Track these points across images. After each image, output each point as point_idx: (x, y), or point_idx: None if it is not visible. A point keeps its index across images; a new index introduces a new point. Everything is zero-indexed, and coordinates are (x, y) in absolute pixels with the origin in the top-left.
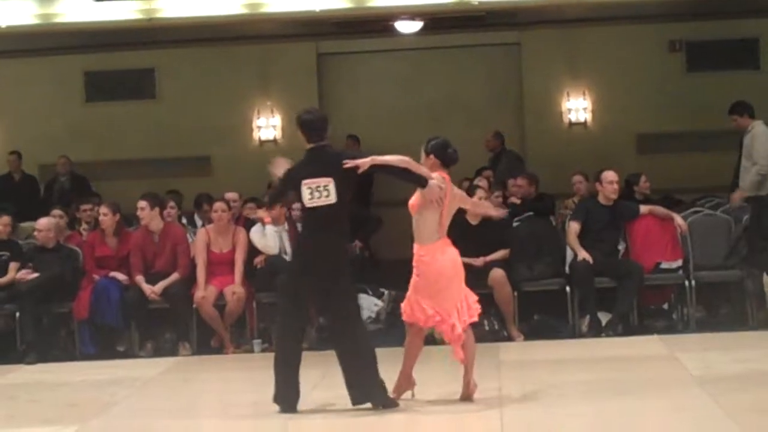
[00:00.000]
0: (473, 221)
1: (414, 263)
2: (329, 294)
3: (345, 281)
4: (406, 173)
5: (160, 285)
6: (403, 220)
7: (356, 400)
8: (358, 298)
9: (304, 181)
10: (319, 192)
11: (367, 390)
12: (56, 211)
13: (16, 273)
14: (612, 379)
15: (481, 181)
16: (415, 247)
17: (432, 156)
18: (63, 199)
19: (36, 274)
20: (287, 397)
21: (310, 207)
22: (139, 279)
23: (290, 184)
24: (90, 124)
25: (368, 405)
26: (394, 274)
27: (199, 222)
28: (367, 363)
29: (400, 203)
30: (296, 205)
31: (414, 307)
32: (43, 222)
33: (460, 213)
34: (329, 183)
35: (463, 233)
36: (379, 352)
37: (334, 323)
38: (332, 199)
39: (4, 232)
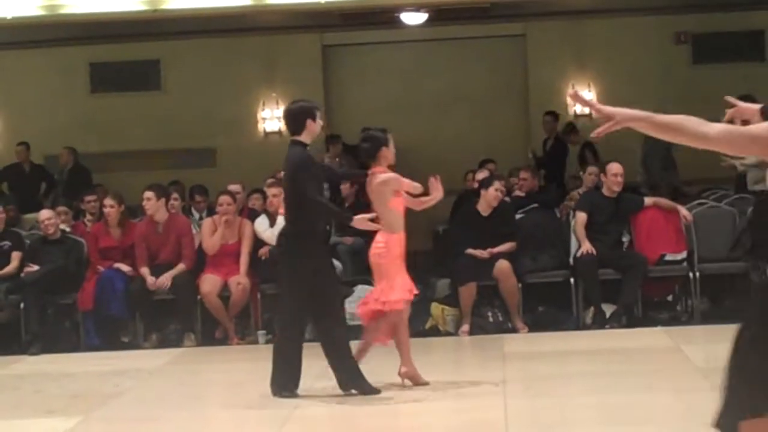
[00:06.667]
0: (484, 213)
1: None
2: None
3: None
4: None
5: (167, 276)
6: (416, 213)
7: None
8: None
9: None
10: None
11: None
12: (61, 208)
13: (19, 263)
14: (616, 370)
15: (482, 173)
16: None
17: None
18: (66, 192)
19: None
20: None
21: None
22: (144, 270)
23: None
24: (95, 115)
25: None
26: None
27: (195, 214)
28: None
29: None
30: None
31: None
32: (46, 213)
33: (472, 204)
34: (282, 176)
35: (473, 224)
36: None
37: None
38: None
39: (1, 220)
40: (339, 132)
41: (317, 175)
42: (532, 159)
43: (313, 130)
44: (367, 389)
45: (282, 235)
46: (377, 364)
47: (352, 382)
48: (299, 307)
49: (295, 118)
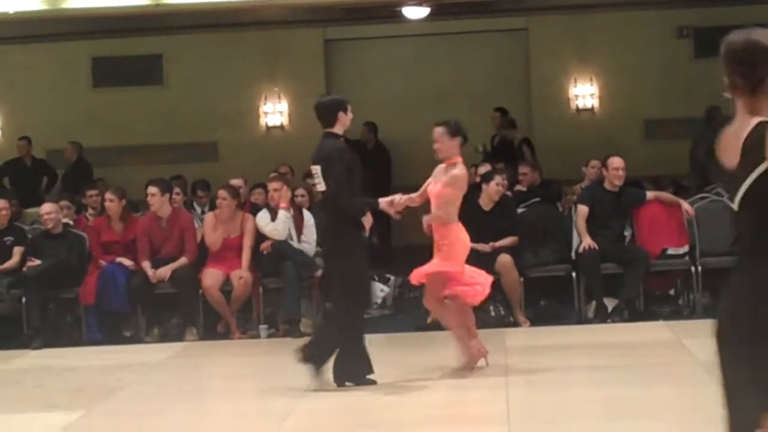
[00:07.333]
0: (486, 207)
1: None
2: (329, 275)
3: (339, 265)
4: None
5: (168, 268)
6: (418, 207)
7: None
8: (356, 285)
9: (311, 166)
10: (316, 178)
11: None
12: (63, 202)
13: (21, 258)
14: (618, 364)
15: (483, 167)
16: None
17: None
18: (68, 186)
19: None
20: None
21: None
22: (146, 264)
23: None
24: (97, 109)
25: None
26: (404, 260)
27: (198, 209)
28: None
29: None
30: (299, 191)
31: None
32: (47, 207)
33: (474, 198)
34: (317, 171)
35: (475, 218)
36: (386, 337)
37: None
38: (322, 186)
39: (3, 216)
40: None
41: (351, 167)
42: (481, 153)
43: (345, 122)
44: (363, 381)
45: (329, 227)
46: (379, 357)
47: (347, 375)
48: (363, 294)
49: (328, 111)
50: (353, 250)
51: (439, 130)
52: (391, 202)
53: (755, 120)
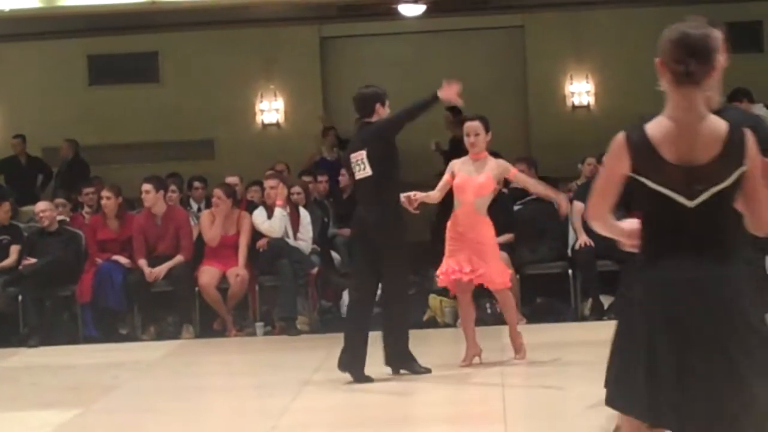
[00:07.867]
0: None
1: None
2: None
3: (390, 248)
4: (418, 106)
5: (164, 267)
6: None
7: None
8: (401, 274)
9: (351, 155)
10: (358, 166)
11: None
12: (59, 200)
13: (17, 256)
14: None
15: None
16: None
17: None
18: (64, 184)
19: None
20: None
21: (357, 180)
22: (142, 262)
23: (345, 162)
24: (93, 107)
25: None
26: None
27: (194, 204)
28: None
29: (420, 185)
30: (295, 189)
31: None
32: (42, 205)
33: None
34: (363, 155)
35: None
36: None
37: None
38: (367, 171)
39: (5, 218)
40: (337, 123)
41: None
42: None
43: (382, 114)
44: (361, 378)
45: (379, 221)
46: (375, 354)
47: (351, 367)
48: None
49: (367, 102)
50: (403, 235)
51: (476, 125)
52: (409, 198)
53: (718, 120)
